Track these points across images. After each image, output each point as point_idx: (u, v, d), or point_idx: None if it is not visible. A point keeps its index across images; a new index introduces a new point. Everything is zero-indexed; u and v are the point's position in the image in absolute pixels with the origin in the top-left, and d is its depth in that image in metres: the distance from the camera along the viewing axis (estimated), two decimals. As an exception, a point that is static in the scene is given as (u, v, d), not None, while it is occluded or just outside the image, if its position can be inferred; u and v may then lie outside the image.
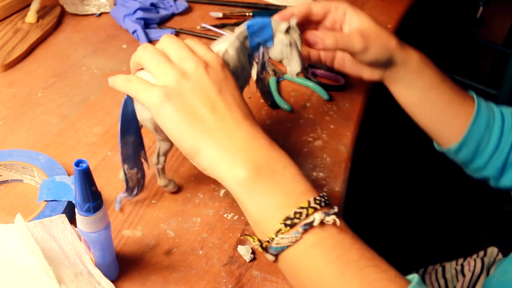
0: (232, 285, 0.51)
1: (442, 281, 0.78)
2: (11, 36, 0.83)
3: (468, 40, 1.83)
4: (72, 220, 0.52)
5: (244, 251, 0.54)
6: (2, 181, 0.59)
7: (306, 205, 0.42)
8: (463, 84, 1.59)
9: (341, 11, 0.62)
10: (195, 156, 0.45)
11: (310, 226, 0.41)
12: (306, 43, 0.60)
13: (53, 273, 0.44)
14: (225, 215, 0.58)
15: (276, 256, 0.43)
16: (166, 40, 0.49)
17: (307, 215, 0.41)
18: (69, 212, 0.54)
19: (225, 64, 0.49)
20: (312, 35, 0.58)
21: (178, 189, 0.60)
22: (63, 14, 0.93)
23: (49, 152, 0.63)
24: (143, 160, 0.55)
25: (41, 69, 0.79)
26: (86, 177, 0.41)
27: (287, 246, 0.42)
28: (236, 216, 0.58)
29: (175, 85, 0.45)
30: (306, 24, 0.63)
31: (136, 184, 0.56)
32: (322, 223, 0.41)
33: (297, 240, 0.41)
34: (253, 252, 0.54)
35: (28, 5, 0.89)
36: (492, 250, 0.78)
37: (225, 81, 0.48)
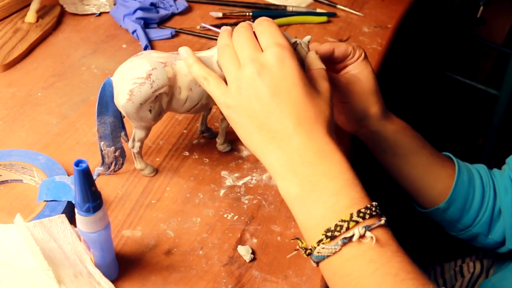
0: (232, 285, 0.51)
1: (440, 281, 0.78)
2: (10, 36, 0.83)
3: (468, 40, 1.83)
4: (72, 220, 0.52)
5: (244, 251, 0.54)
6: (1, 181, 0.59)
7: (348, 218, 0.43)
8: (463, 84, 1.60)
9: (356, 57, 0.63)
10: (259, 159, 0.49)
11: (349, 240, 0.42)
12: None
13: (52, 273, 0.44)
14: (225, 215, 0.58)
15: (317, 263, 0.45)
16: (236, 36, 0.51)
17: (348, 229, 0.42)
18: (69, 212, 0.54)
19: (287, 55, 0.48)
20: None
21: (156, 172, 0.62)
22: (62, 13, 0.93)
23: (49, 152, 0.63)
24: (123, 141, 0.59)
25: (40, 69, 0.79)
26: (85, 177, 0.41)
27: (327, 256, 0.43)
28: (236, 216, 0.58)
29: (235, 96, 0.48)
30: (326, 61, 0.63)
31: (113, 161, 0.60)
32: (362, 236, 0.42)
33: (336, 252, 0.42)
34: (253, 252, 0.54)
35: (28, 5, 0.89)
36: (491, 251, 0.78)
37: (281, 82, 0.47)
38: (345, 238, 0.42)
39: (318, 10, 1.03)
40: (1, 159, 0.58)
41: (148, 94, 0.53)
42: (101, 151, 0.58)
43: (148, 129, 0.57)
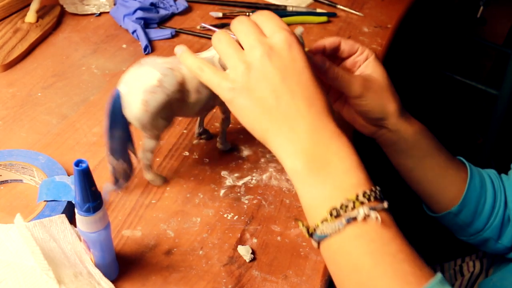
0: (232, 285, 0.51)
1: (441, 281, 0.78)
2: (10, 36, 0.83)
3: (468, 40, 1.83)
4: (72, 220, 0.52)
5: (244, 251, 0.54)
6: (1, 181, 0.59)
7: (353, 198, 0.43)
8: (463, 84, 1.60)
9: (364, 56, 0.62)
10: (265, 143, 0.49)
11: (354, 219, 0.43)
12: (313, 63, 0.59)
13: (52, 273, 0.44)
14: (225, 215, 0.58)
15: (319, 243, 0.45)
16: (237, 25, 0.50)
17: (353, 208, 0.43)
18: (69, 212, 0.54)
19: (294, 40, 0.48)
20: (321, 58, 0.58)
21: (167, 182, 0.61)
22: (62, 14, 0.93)
23: (49, 152, 0.63)
24: (130, 153, 0.57)
25: (40, 69, 0.79)
26: (86, 177, 0.41)
27: (330, 235, 0.43)
28: (236, 216, 0.58)
29: (242, 78, 0.47)
30: (331, 56, 0.63)
31: (122, 176, 0.57)
32: (366, 216, 0.43)
33: (339, 230, 0.43)
34: (253, 252, 0.54)
35: (28, 5, 0.89)
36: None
37: (291, 65, 0.47)
38: (350, 217, 0.43)
39: (318, 10, 1.03)
40: (1, 159, 0.58)
41: (163, 102, 0.52)
42: (112, 167, 0.55)
43: (159, 138, 0.56)
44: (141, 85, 0.51)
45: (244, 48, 0.48)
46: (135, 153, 0.57)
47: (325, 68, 0.57)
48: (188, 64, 0.51)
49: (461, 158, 0.68)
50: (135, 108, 0.51)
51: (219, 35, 0.50)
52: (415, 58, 1.73)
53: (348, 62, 0.63)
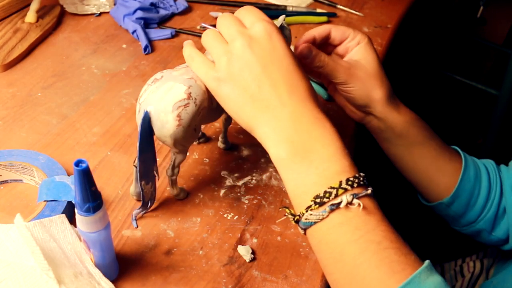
0: (232, 285, 0.51)
1: (441, 281, 0.78)
2: (10, 36, 0.83)
3: (468, 40, 1.83)
4: (72, 220, 0.52)
5: (244, 251, 0.54)
6: (1, 181, 0.59)
7: (337, 185, 0.43)
8: (463, 84, 1.60)
9: (356, 41, 0.63)
10: (251, 132, 0.50)
11: (337, 206, 0.43)
12: (299, 53, 0.59)
13: (52, 273, 0.44)
14: (225, 215, 0.58)
15: (305, 230, 0.46)
16: (220, 20, 0.52)
17: (336, 195, 0.43)
18: (69, 212, 0.54)
19: (274, 30, 0.49)
20: (306, 47, 0.58)
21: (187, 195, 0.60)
22: (62, 13, 0.93)
23: (49, 152, 0.63)
24: (155, 173, 0.56)
25: (40, 69, 0.79)
26: (86, 177, 0.41)
27: (315, 222, 0.44)
28: (236, 216, 0.58)
29: (226, 68, 0.49)
30: (324, 44, 0.64)
31: (150, 198, 0.56)
32: (349, 203, 0.43)
33: (323, 218, 0.43)
34: (253, 252, 0.54)
35: (28, 5, 0.89)
36: (492, 251, 0.78)
37: (271, 54, 0.48)
38: (333, 204, 0.43)
39: (318, 10, 1.03)
40: (1, 159, 0.58)
41: (195, 113, 0.51)
42: (142, 190, 0.53)
43: (187, 151, 0.55)
44: (171, 101, 0.50)
45: (227, 40, 0.50)
46: (157, 173, 0.56)
47: (311, 56, 0.58)
48: (184, 53, 0.53)
49: (457, 148, 0.67)
50: (170, 126, 0.50)
51: (206, 32, 0.52)
52: (415, 58, 1.73)
53: (340, 48, 0.64)
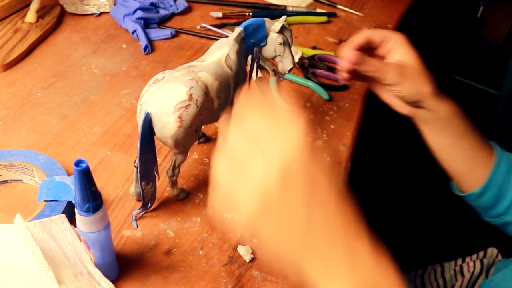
0: (232, 285, 0.51)
1: (441, 281, 0.78)
2: (10, 36, 0.83)
3: (468, 40, 1.83)
4: (72, 220, 0.52)
5: (244, 251, 0.54)
6: (2, 181, 0.59)
7: None
8: (463, 84, 1.60)
9: (393, 41, 0.64)
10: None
11: None
12: (350, 62, 0.61)
13: (52, 273, 0.44)
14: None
15: None
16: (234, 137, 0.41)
17: None
18: (69, 212, 0.54)
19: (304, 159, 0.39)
20: (358, 56, 0.60)
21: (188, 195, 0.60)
22: (62, 14, 0.93)
23: (49, 152, 0.63)
24: (155, 174, 0.56)
25: (40, 69, 0.79)
26: (86, 177, 0.41)
27: None
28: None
29: (261, 213, 0.40)
30: (364, 50, 0.64)
31: (150, 198, 0.56)
32: None
33: None
34: (253, 252, 0.54)
35: (28, 5, 0.89)
36: (492, 251, 0.78)
37: (311, 187, 0.39)
38: None
39: (318, 10, 1.03)
40: (1, 159, 0.58)
41: (196, 115, 0.51)
42: (142, 191, 0.53)
43: (188, 151, 0.55)
44: (172, 102, 0.50)
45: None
46: (158, 173, 0.56)
47: (364, 63, 0.60)
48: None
49: (493, 142, 0.69)
50: (172, 127, 0.50)
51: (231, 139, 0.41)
52: (415, 58, 1.72)
53: (380, 51, 0.65)
